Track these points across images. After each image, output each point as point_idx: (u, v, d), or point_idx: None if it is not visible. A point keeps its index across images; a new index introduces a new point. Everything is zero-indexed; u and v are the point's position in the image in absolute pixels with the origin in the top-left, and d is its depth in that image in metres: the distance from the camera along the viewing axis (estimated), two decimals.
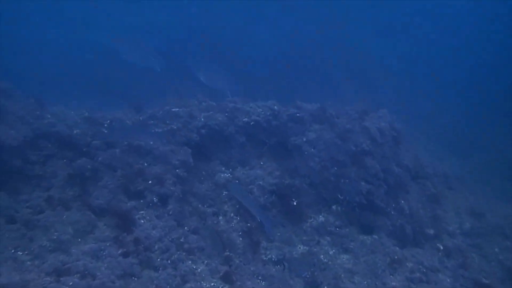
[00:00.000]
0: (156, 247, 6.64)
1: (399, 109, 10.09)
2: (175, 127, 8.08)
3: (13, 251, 5.90)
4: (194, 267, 6.55)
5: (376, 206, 8.06)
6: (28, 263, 5.78)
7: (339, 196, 8.26)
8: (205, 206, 7.85)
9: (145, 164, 7.61)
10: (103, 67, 10.79)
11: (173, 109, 8.32)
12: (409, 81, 18.26)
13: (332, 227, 8.08)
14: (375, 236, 7.95)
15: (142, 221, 6.96)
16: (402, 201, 8.46)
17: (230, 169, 8.47)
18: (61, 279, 5.45)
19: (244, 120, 8.50)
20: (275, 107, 8.74)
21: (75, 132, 7.54)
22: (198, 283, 6.27)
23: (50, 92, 8.30)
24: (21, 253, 5.92)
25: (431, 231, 8.28)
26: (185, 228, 7.21)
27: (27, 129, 7.27)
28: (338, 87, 12.20)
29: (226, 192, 8.01)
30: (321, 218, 8.18)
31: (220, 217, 7.80)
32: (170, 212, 7.21)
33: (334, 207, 8.32)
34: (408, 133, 10.23)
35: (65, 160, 7.31)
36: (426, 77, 20.08)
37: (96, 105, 8.17)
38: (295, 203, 8.11)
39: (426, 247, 8.15)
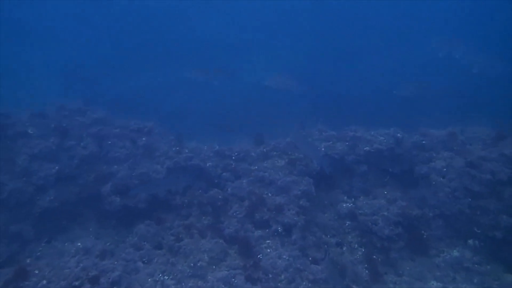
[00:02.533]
0: (283, 276, 6.96)
1: None
2: (296, 158, 8.51)
3: (160, 275, 6.83)
4: None
5: None
6: (172, 287, 6.61)
7: (476, 230, 7.66)
8: (328, 236, 8.01)
9: (269, 195, 8.14)
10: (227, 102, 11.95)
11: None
12: None
13: (470, 263, 7.50)
14: None
15: (269, 250, 7.40)
16: None
17: (353, 199, 8.54)
18: None
19: (365, 149, 8.55)
20: (398, 134, 8.61)
21: (208, 165, 8.49)
22: None
23: (185, 129, 9.47)
24: (167, 277, 6.80)
25: None
26: (309, 258, 7.43)
27: (169, 162, 8.44)
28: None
29: (350, 222, 8.08)
30: (455, 253, 7.67)
31: (344, 248, 7.86)
32: (294, 242, 7.51)
33: (470, 241, 7.73)
34: None
35: (200, 191, 8.24)
36: None
37: (225, 140, 9.06)
38: (425, 236, 7.78)
39: None
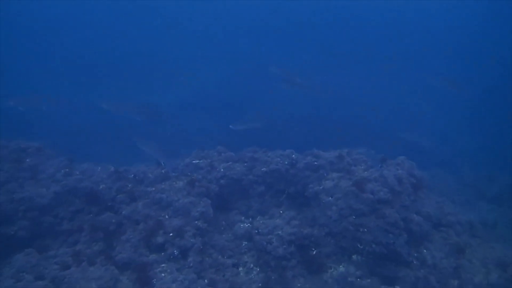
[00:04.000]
0: None
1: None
2: (195, 179, 8.57)
3: None
4: None
5: (397, 256, 8.18)
6: None
7: (359, 246, 8.42)
8: (225, 257, 8.17)
9: (166, 217, 8.06)
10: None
11: (194, 161, 8.84)
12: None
13: (353, 277, 8.20)
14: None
15: (163, 274, 7.32)
16: (425, 251, 8.53)
17: (250, 219, 8.83)
18: None
19: (262, 169, 8.92)
20: (293, 155, 9.13)
21: (101, 187, 8.13)
22: None
23: (78, 150, 9.00)
24: None
25: (456, 282, 8.28)
26: (205, 280, 7.51)
27: (56, 186, 7.91)
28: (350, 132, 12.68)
29: (246, 243, 8.34)
30: (341, 269, 8.32)
31: (240, 268, 8.08)
32: (191, 265, 7.54)
33: (354, 256, 8.47)
34: (429, 178, 10.36)
35: (91, 215, 7.85)
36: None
37: (122, 160, 8.79)
38: (314, 253, 8.33)
39: None
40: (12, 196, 7.51)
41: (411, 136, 13.54)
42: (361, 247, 8.32)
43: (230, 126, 10.59)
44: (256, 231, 8.44)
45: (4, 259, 7.19)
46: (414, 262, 8.36)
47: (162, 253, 7.56)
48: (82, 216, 7.78)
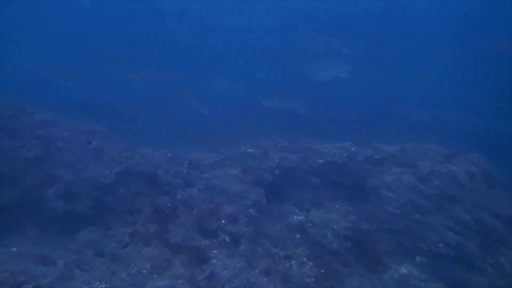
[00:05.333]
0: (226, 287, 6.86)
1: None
2: (249, 167, 8.50)
3: (98, 283, 6.63)
4: None
5: (468, 260, 7.40)
6: None
7: (423, 246, 7.76)
8: (277, 248, 7.96)
9: (219, 204, 8.07)
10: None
11: (249, 150, 8.80)
12: None
13: (416, 280, 7.55)
14: None
15: (214, 260, 7.30)
16: (502, 258, 7.63)
17: (304, 211, 8.55)
18: None
19: (318, 161, 8.62)
20: (352, 148, 8.73)
21: (158, 171, 8.38)
22: None
23: (140, 134, 9.39)
24: (104, 285, 6.60)
25: None
26: (256, 270, 7.36)
27: (119, 168, 8.29)
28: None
29: (299, 235, 8.07)
30: (403, 270, 7.72)
31: (293, 261, 7.82)
32: (242, 253, 7.44)
33: (418, 258, 7.82)
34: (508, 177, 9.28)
35: (148, 198, 8.10)
36: None
37: (179, 147, 9.02)
38: (373, 251, 7.82)
39: None
40: (79, 176, 7.99)
41: (484, 131, 12.26)
42: (426, 247, 7.66)
43: (262, 102, 10.32)
44: (310, 224, 8.15)
45: (70, 234, 7.64)
46: (489, 270, 7.49)
47: (214, 239, 7.55)
48: (141, 198, 8.03)
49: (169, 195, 8.18)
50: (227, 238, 7.52)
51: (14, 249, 7.14)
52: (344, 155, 8.74)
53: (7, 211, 7.66)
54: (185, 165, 8.68)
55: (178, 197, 8.07)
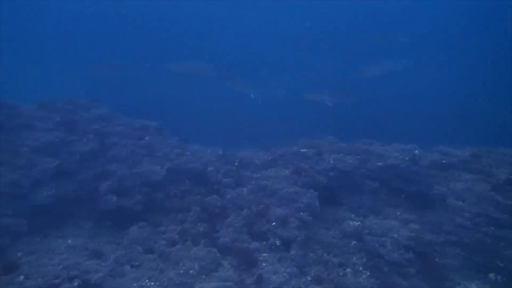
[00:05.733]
0: None
1: None
2: (302, 168, 8.07)
3: (147, 280, 6.56)
4: None
5: None
6: None
7: (499, 263, 6.90)
8: (331, 255, 7.48)
9: (270, 205, 7.73)
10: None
11: (302, 150, 8.36)
12: None
13: None
14: None
15: (264, 264, 6.98)
16: None
17: (361, 217, 7.97)
18: None
19: (378, 164, 7.99)
20: (416, 151, 8.00)
21: (209, 169, 8.20)
22: None
23: (191, 131, 9.31)
24: (153, 283, 6.52)
25: None
26: (308, 277, 6.95)
27: (170, 164, 8.22)
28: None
29: (355, 242, 7.52)
30: (473, 287, 6.93)
31: (348, 269, 7.30)
32: (293, 258, 7.06)
33: (492, 275, 6.97)
34: None
35: (198, 196, 7.95)
36: None
37: (230, 144, 8.80)
38: (437, 264, 7.09)
39: None
40: (131, 171, 8.02)
41: None
42: (502, 265, 6.79)
43: (306, 95, 9.76)
44: (367, 231, 7.56)
45: (122, 229, 7.69)
46: None
47: (264, 242, 7.25)
48: (191, 196, 7.92)
49: (219, 194, 7.99)
50: (277, 242, 7.17)
51: (70, 241, 7.29)
52: (407, 158, 8.02)
53: (64, 203, 7.87)
54: (236, 163, 8.44)
55: (228, 197, 7.85)
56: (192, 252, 7.01)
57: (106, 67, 12.04)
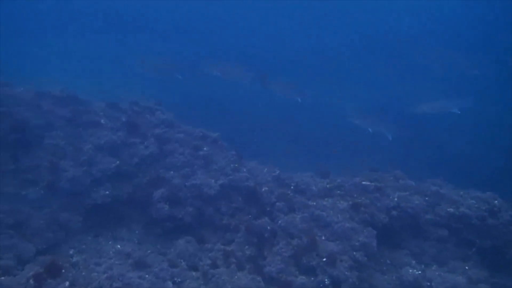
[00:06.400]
0: None
1: None
2: (361, 203, 7.49)
3: None
4: None
5: None
6: None
7: None
8: None
9: (323, 238, 7.27)
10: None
11: (364, 182, 7.76)
12: None
13: None
14: None
15: None
16: None
17: (422, 265, 7.25)
18: None
19: (448, 210, 7.18)
20: (496, 201, 7.08)
21: (263, 189, 7.89)
22: None
23: (250, 145, 9.06)
24: None
25: None
26: None
27: (224, 179, 8.03)
28: None
29: None
30: None
31: None
32: None
33: None
34: None
35: (249, 216, 7.67)
36: None
37: (288, 163, 8.42)
38: None
39: None
40: (186, 181, 7.94)
41: None
42: None
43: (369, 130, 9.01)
44: (429, 283, 6.84)
45: (170, 239, 7.64)
46: None
47: (312, 278, 6.80)
48: (241, 215, 7.67)
49: (270, 217, 7.65)
50: (326, 280, 6.70)
51: (119, 246, 7.36)
52: (484, 208, 7.16)
53: (119, 205, 7.98)
54: (292, 187, 8.06)
55: (279, 222, 7.50)
56: (235, 277, 6.75)
57: (148, 63, 12.17)
